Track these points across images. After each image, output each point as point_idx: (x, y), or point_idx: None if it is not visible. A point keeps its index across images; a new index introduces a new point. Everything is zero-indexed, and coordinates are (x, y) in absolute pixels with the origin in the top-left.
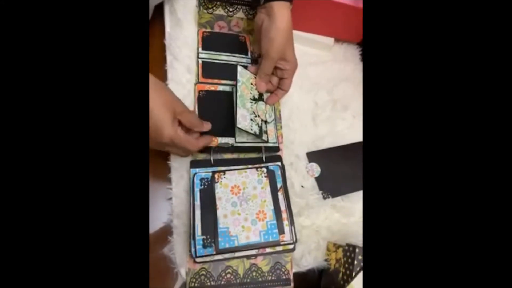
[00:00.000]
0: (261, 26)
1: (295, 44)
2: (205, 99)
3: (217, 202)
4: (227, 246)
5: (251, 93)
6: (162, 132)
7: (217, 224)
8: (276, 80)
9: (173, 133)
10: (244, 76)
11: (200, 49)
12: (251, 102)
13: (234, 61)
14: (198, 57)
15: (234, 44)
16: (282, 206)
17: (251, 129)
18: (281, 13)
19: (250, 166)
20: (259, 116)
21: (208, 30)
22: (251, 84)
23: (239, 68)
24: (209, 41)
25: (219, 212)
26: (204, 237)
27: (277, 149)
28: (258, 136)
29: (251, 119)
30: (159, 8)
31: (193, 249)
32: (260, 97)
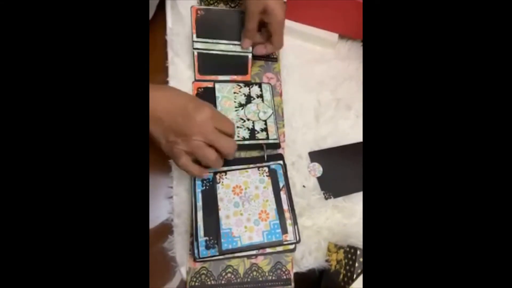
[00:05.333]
0: None
1: (298, 41)
2: (203, 97)
3: (219, 203)
4: (230, 247)
5: (235, 101)
6: (203, 107)
7: (220, 225)
8: (265, 35)
9: (214, 111)
10: (224, 90)
11: (194, 37)
12: (236, 110)
13: (233, 51)
14: (193, 47)
15: (234, 25)
16: (285, 206)
17: (238, 136)
18: None
19: (251, 165)
20: (249, 119)
21: (204, 7)
22: (234, 92)
23: (217, 85)
24: (204, 24)
25: (221, 213)
26: (207, 238)
27: (277, 145)
28: (250, 139)
29: (238, 127)
30: (161, 4)
31: (196, 251)
32: (249, 100)
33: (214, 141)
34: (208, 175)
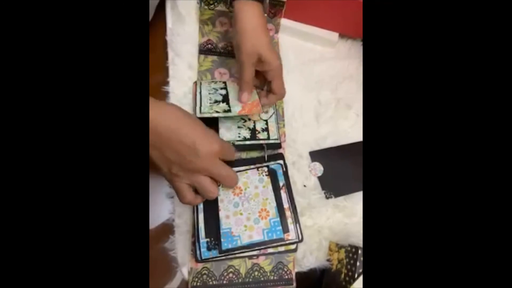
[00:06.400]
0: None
1: (298, 40)
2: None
3: (219, 204)
4: (230, 246)
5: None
6: (211, 143)
7: (220, 225)
8: (263, 82)
9: (221, 145)
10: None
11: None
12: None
13: None
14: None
15: None
16: (285, 204)
17: (239, 136)
18: (244, 14)
19: (252, 166)
20: (249, 119)
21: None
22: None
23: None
24: None
25: (221, 214)
26: (208, 239)
27: (278, 145)
28: (250, 139)
29: (239, 126)
30: (161, 4)
31: (198, 252)
32: None
33: (216, 175)
34: None
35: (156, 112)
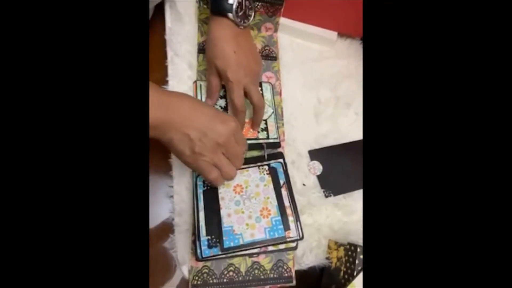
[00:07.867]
0: None
1: (297, 39)
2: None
3: (220, 202)
4: (231, 245)
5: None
6: (229, 120)
7: (221, 223)
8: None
9: (237, 123)
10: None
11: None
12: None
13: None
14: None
15: None
16: (286, 202)
17: None
18: (211, 24)
19: (252, 165)
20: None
21: None
22: None
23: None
24: None
25: (223, 212)
26: (209, 237)
27: (278, 144)
28: (250, 138)
29: None
30: (160, 4)
31: (198, 250)
32: None
33: (232, 153)
34: None
35: (176, 96)
